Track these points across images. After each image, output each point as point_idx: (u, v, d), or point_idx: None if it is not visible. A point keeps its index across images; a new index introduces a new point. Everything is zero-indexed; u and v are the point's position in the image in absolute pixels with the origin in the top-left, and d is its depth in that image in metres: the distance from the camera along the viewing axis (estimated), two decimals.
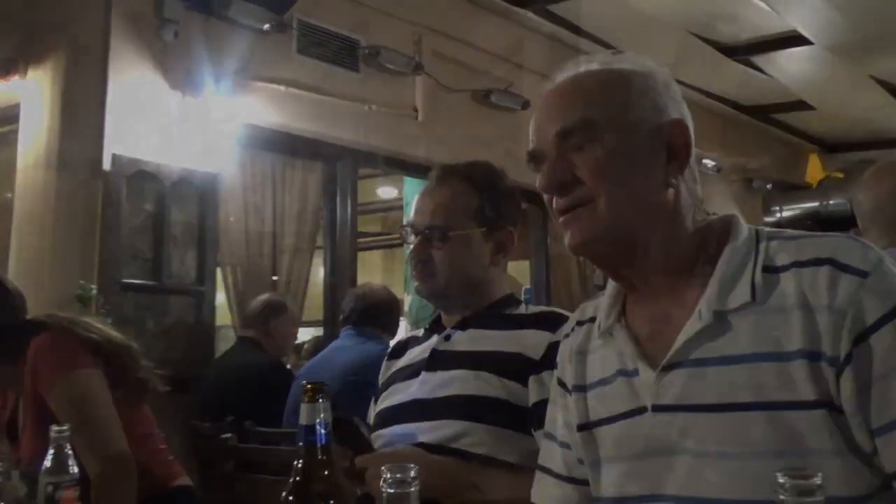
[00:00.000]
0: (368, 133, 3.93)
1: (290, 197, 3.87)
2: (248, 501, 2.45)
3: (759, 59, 5.24)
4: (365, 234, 6.50)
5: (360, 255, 4.73)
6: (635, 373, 0.88)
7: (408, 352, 1.47)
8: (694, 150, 0.89)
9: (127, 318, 3.07)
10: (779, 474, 0.52)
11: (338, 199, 4.01)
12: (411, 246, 1.39)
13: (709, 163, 5.64)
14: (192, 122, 3.33)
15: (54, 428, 0.83)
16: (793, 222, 6.62)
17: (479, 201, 1.37)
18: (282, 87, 3.60)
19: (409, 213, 1.66)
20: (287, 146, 3.78)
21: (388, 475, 0.64)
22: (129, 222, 3.16)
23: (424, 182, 1.47)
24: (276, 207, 3.82)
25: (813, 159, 7.16)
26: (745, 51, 5.07)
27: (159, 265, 3.24)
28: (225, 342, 3.80)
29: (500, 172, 1.45)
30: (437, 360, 1.35)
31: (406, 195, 4.98)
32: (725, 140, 6.03)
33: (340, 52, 3.85)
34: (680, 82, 0.93)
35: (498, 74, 4.52)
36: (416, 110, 4.21)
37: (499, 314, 1.38)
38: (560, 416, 1.00)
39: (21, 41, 3.32)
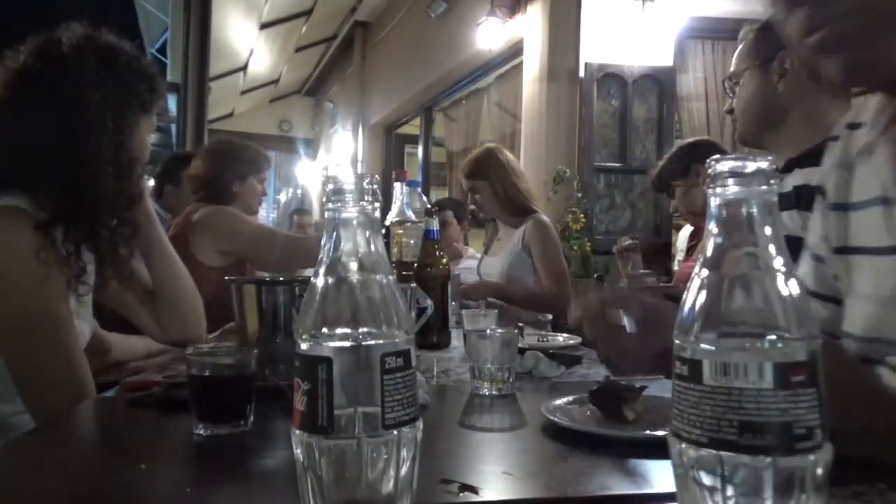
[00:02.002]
0: None
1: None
2: None
3: None
4: None
5: None
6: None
7: None
8: None
9: (599, 193, 3.93)
10: None
11: None
12: None
13: None
14: (647, 24, 3.90)
15: None
16: None
17: None
18: None
19: None
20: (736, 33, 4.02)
21: None
22: (600, 117, 3.95)
23: None
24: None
25: None
26: None
27: (624, 150, 3.98)
28: None
29: None
30: None
31: None
32: None
33: None
34: None
35: None
36: None
37: None
38: (819, 227, 0.85)
39: None
